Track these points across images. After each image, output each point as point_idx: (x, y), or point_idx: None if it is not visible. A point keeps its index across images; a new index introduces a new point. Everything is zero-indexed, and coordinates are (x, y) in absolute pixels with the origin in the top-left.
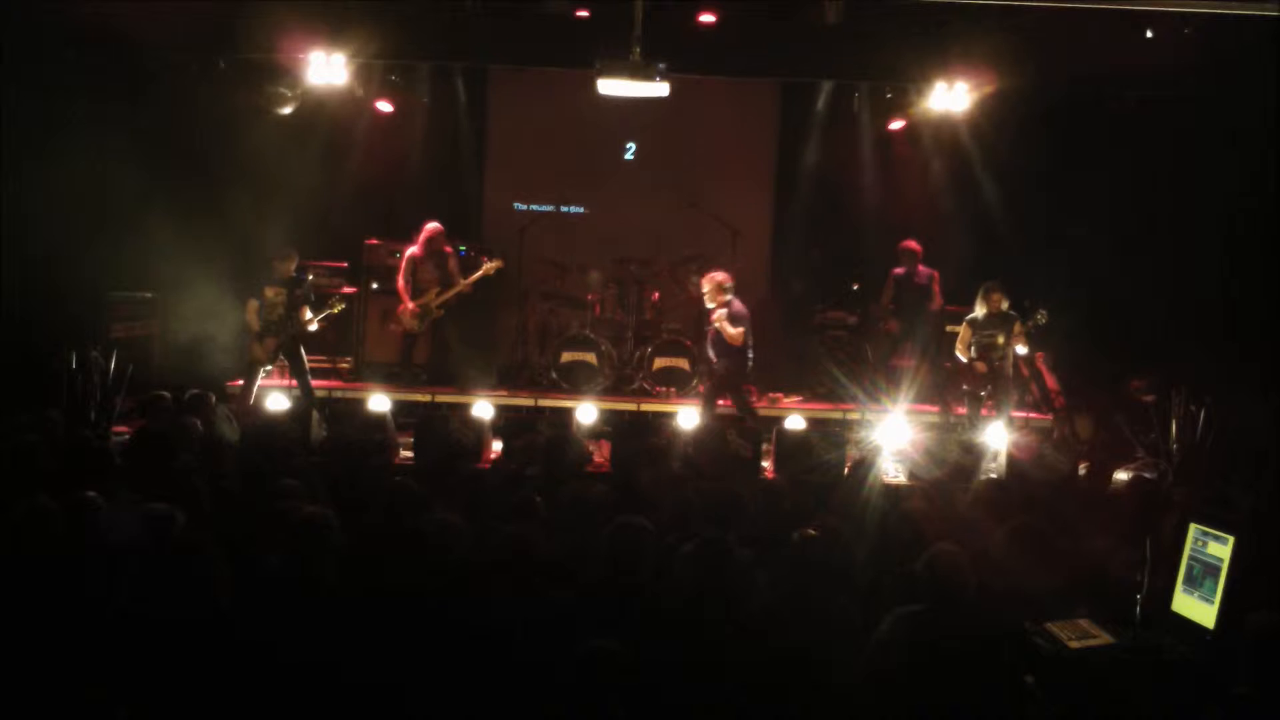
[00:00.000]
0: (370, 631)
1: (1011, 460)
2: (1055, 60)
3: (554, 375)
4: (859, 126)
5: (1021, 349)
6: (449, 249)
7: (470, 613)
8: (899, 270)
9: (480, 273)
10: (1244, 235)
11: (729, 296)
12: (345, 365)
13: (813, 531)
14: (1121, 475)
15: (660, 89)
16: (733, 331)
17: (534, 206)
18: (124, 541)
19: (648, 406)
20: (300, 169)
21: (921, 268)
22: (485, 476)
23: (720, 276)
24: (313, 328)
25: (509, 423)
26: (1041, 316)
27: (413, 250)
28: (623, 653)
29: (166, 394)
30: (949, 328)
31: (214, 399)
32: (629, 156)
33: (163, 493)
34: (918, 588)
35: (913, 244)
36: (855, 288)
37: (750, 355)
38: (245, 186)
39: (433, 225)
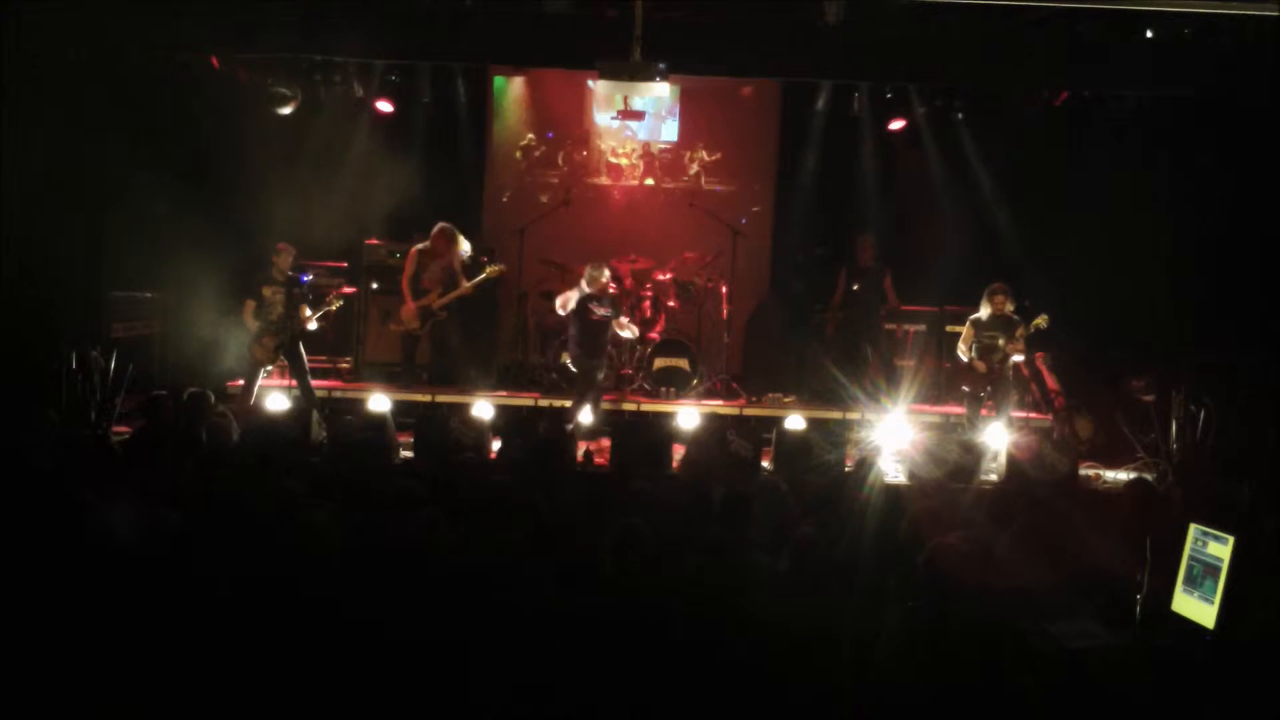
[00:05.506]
0: None
1: (1011, 460)
2: (1055, 60)
3: (554, 375)
4: (859, 126)
5: (1018, 356)
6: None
7: None
8: (850, 266)
9: (484, 276)
10: (1244, 235)
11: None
12: (345, 365)
13: (813, 531)
14: (1121, 475)
15: (660, 89)
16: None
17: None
18: (122, 542)
19: (648, 406)
20: (301, 168)
21: (873, 264)
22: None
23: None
24: (312, 326)
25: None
26: (1042, 321)
27: (421, 246)
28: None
29: (165, 394)
30: (949, 327)
31: (213, 398)
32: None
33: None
34: (919, 582)
35: (867, 241)
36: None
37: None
38: (246, 186)
39: (444, 225)
